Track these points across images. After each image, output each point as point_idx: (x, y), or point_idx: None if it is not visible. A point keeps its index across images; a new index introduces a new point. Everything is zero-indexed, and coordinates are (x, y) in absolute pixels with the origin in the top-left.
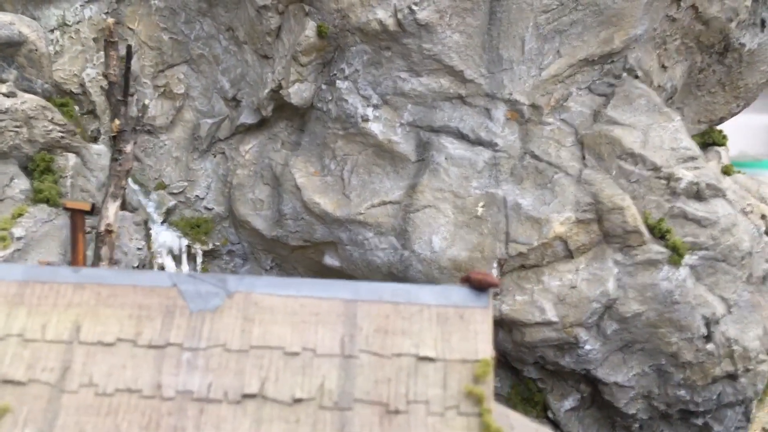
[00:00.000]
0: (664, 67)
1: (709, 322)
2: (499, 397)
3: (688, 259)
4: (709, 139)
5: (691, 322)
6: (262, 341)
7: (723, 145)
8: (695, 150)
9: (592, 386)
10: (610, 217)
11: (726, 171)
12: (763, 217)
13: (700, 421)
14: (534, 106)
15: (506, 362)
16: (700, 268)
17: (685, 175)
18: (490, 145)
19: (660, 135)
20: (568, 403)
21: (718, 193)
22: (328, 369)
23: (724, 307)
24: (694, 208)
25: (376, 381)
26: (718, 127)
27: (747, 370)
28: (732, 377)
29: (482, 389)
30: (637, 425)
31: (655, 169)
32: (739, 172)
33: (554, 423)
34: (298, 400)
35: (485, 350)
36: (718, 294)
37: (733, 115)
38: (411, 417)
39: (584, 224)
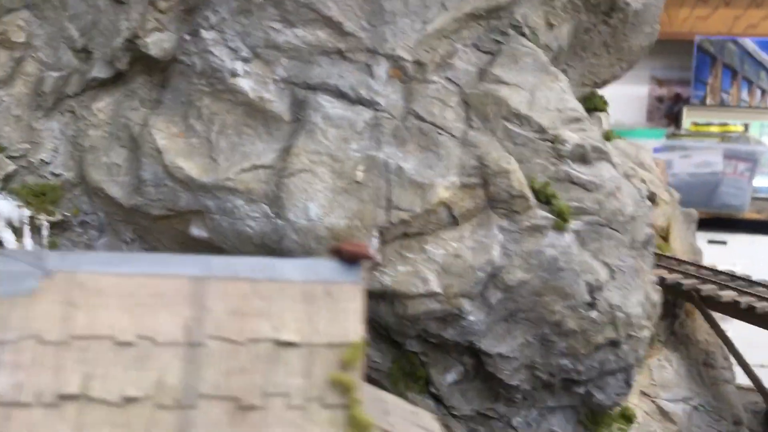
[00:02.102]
0: (550, 25)
1: (593, 289)
2: (380, 373)
3: (573, 224)
4: (591, 105)
5: (575, 290)
6: (87, 330)
7: (604, 110)
8: (581, 112)
9: (475, 358)
10: (496, 181)
11: (607, 136)
12: (642, 181)
13: (582, 390)
14: (418, 63)
15: (388, 336)
16: (584, 233)
17: (571, 137)
18: (371, 104)
19: (546, 95)
20: (451, 376)
21: (604, 156)
22: (169, 360)
23: (608, 273)
24: (579, 171)
25: (228, 372)
26: (600, 93)
27: (629, 337)
28: (614, 344)
29: (350, 377)
30: (519, 396)
31: (541, 130)
32: (619, 137)
33: (436, 397)
34: (130, 400)
35: (356, 332)
36: (602, 260)
37: (616, 77)
38: (267, 412)
39: (470, 189)
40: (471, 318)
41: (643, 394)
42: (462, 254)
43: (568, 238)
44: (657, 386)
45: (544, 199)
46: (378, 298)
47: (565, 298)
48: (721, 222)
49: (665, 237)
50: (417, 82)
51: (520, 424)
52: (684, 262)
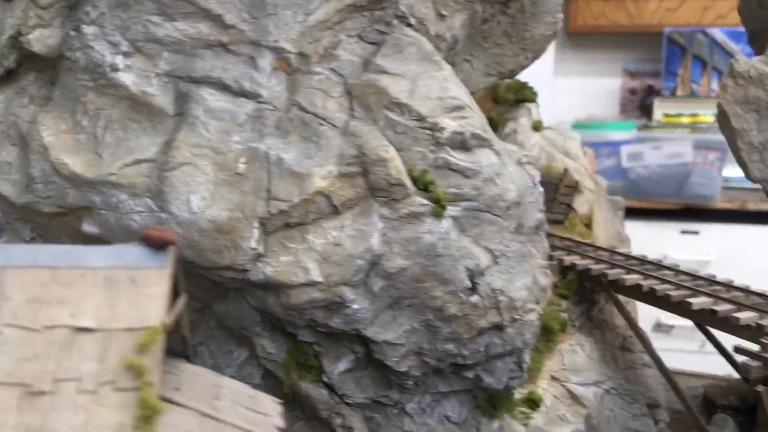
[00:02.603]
0: (441, 15)
1: (474, 274)
2: (274, 363)
3: (451, 210)
4: (521, 96)
5: (454, 275)
6: None
7: (533, 101)
8: (464, 100)
9: (366, 347)
10: (375, 169)
11: (536, 127)
12: (565, 170)
13: (471, 374)
14: (302, 55)
15: (281, 327)
16: (463, 219)
17: (449, 125)
18: (253, 96)
19: (428, 84)
20: (343, 365)
21: (484, 143)
22: None
23: (490, 258)
24: (458, 158)
25: (21, 359)
26: (530, 84)
27: (514, 320)
28: (499, 328)
29: (144, 360)
30: (411, 382)
31: (421, 119)
32: (548, 128)
33: (329, 386)
34: None
35: (156, 316)
36: (484, 245)
37: (523, 67)
38: (57, 397)
39: (349, 178)
40: (355, 306)
41: (553, 378)
42: (342, 243)
43: (446, 224)
44: (567, 370)
45: (423, 186)
46: (264, 288)
47: (445, 283)
48: (693, 212)
49: (588, 224)
50: (301, 73)
51: (414, 410)
52: (599, 248)
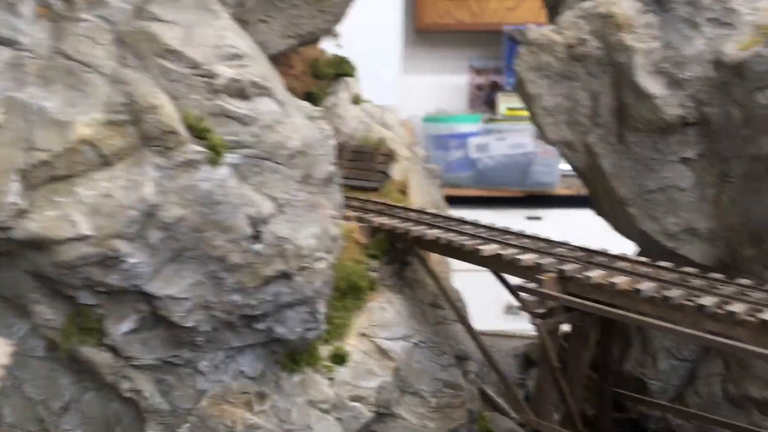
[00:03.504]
0: None
1: (256, 222)
2: (54, 330)
3: (230, 157)
4: (340, 70)
5: (235, 223)
6: None
7: (352, 75)
8: (243, 49)
9: (150, 305)
10: (146, 117)
11: (355, 100)
12: (381, 139)
13: (263, 326)
14: (67, 1)
15: (59, 292)
16: (243, 166)
17: (225, 72)
18: (12, 43)
19: (204, 32)
20: (126, 325)
21: (265, 91)
22: None
23: (274, 206)
24: (236, 106)
25: None
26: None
27: (302, 269)
28: (286, 276)
29: None
30: (201, 339)
31: (195, 66)
32: (366, 101)
33: (114, 349)
34: None
35: None
36: (266, 193)
37: (323, 31)
38: None
39: (118, 126)
40: (132, 260)
41: (362, 335)
42: (113, 194)
43: (223, 171)
44: (376, 326)
45: (198, 133)
46: (32, 247)
47: (226, 231)
48: (536, 199)
49: (404, 191)
50: (67, 20)
51: (207, 368)
52: (410, 210)
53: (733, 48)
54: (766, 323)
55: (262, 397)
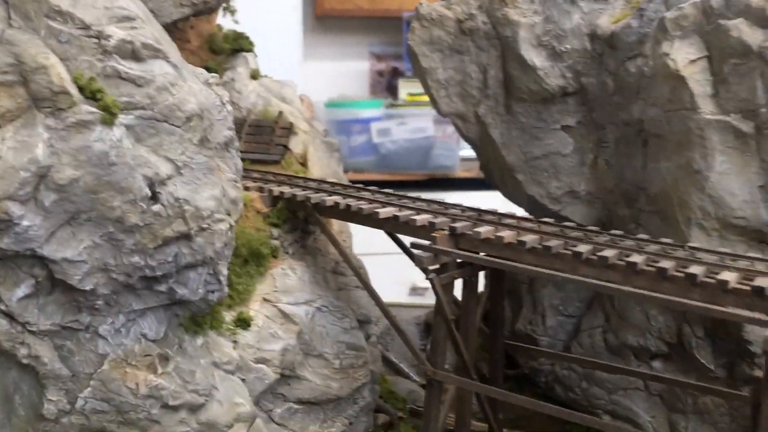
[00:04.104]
0: None
1: (154, 183)
2: None
3: (123, 118)
4: (237, 46)
5: (132, 184)
6: None
7: (251, 51)
8: (134, 11)
9: (46, 269)
10: (35, 78)
11: (253, 75)
12: (280, 113)
13: (164, 287)
14: None
15: None
16: (138, 128)
17: (116, 33)
18: None
19: None
20: (21, 290)
21: (158, 54)
22: None
23: (172, 168)
24: (128, 67)
25: None
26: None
27: (202, 230)
28: (186, 237)
29: None
30: (101, 302)
31: (85, 27)
32: (264, 76)
33: (9, 315)
34: None
35: None
36: (163, 155)
37: (218, 1)
38: None
39: (6, 87)
40: (25, 223)
41: (265, 300)
42: (3, 155)
43: (118, 132)
44: (279, 292)
45: (90, 94)
46: None
47: (122, 192)
48: (437, 182)
49: (304, 163)
50: None
51: (108, 332)
52: (309, 179)
53: (607, 21)
54: (633, 265)
55: (165, 359)
